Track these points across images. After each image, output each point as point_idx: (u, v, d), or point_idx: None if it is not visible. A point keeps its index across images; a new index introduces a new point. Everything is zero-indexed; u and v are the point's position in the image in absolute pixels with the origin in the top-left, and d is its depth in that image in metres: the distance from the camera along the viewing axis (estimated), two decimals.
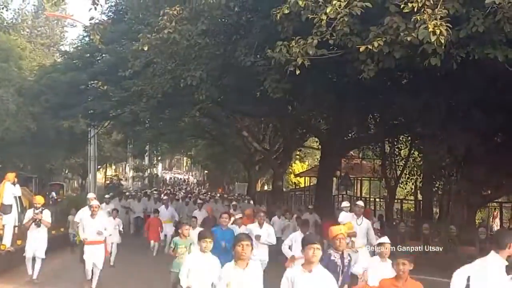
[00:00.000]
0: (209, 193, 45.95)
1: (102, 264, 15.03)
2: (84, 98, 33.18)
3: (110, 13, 34.71)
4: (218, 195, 42.86)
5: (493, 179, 21.01)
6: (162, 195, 34.76)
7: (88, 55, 36.35)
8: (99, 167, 56.66)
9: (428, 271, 15.88)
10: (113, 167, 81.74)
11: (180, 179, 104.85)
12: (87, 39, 37.44)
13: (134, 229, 29.21)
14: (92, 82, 30.24)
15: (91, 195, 17.16)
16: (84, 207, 15.86)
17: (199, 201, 26.55)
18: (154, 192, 38.01)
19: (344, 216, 15.42)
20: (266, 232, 14.63)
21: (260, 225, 14.75)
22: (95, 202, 15.29)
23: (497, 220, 29.85)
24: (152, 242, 21.96)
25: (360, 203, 15.99)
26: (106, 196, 25.87)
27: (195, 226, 15.86)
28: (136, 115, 27.26)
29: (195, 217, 17.91)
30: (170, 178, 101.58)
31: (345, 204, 17.90)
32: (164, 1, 18.56)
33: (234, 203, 26.10)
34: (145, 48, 18.43)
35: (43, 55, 55.07)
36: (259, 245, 13.75)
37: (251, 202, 34.00)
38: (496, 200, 28.20)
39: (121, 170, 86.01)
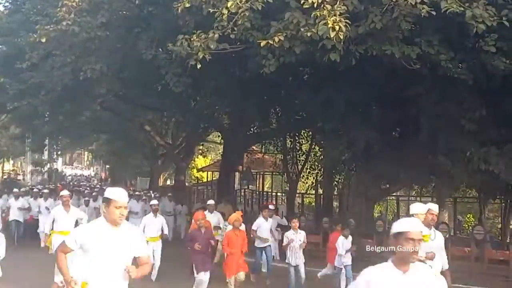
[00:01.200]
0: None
1: None
2: None
3: (6, 3, 33.75)
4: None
5: (391, 173, 21.47)
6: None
7: None
8: None
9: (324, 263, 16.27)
10: (11, 161, 79.60)
11: (81, 175, 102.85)
12: None
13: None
14: None
15: None
16: None
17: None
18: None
19: None
20: None
21: None
22: None
23: None
24: None
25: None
26: None
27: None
28: (34, 109, 26.56)
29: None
30: (70, 174, 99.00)
31: None
32: None
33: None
34: (43, 40, 17.98)
35: None
36: None
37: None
38: (394, 194, 28.91)
39: (20, 165, 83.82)
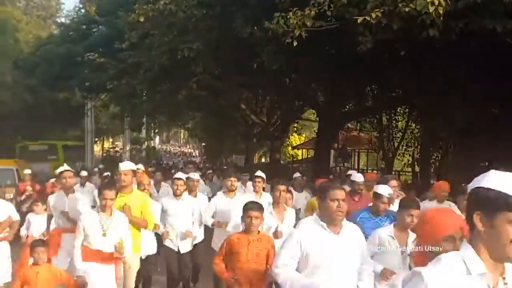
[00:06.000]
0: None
1: None
2: (80, 70, 33.12)
3: None
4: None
5: (491, 150, 20.96)
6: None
7: (84, 27, 36.26)
8: (96, 139, 56.70)
9: None
10: (110, 140, 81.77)
11: (181, 152, 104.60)
12: (83, 10, 37.28)
13: None
14: (88, 54, 30.09)
15: None
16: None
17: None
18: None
19: None
20: None
21: None
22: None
23: None
24: None
25: None
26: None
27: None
28: (133, 88, 27.16)
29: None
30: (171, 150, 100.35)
31: None
32: None
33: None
34: (141, 20, 18.37)
35: (39, 27, 54.94)
36: None
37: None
38: None
39: (120, 143, 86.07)
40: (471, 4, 12.25)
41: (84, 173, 18.58)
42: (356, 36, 13.85)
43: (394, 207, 8.92)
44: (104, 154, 64.71)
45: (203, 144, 79.78)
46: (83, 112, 43.58)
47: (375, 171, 35.29)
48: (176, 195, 11.26)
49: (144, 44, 23.60)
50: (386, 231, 7.46)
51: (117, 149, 71.63)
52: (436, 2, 11.38)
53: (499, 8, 12.53)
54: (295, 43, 13.67)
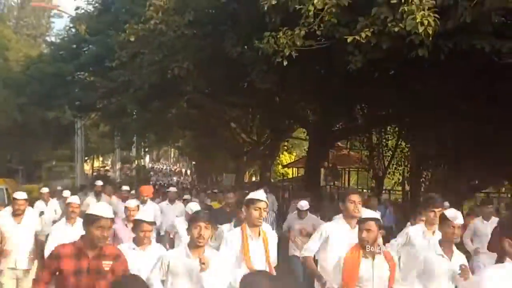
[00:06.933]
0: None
1: None
2: (70, 89, 33.11)
3: (96, 4, 34.58)
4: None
5: (481, 169, 21.05)
6: None
7: (75, 46, 36.24)
8: (86, 158, 56.55)
9: None
10: (100, 158, 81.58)
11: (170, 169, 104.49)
12: (73, 30, 37.32)
13: None
14: (78, 73, 30.17)
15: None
16: None
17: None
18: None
19: None
20: None
21: None
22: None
23: None
24: None
25: None
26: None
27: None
28: (123, 107, 27.18)
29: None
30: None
31: None
32: None
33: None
34: (132, 39, 18.43)
35: (29, 46, 54.92)
36: None
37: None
38: (484, 191, 28.33)
39: (109, 162, 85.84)
40: (460, 24, 12.33)
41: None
42: (346, 55, 13.90)
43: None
44: (95, 174, 64.56)
45: (193, 162, 79.70)
46: (73, 131, 43.46)
47: (365, 190, 35.37)
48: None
49: (135, 63, 23.62)
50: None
51: (107, 168, 71.47)
52: (426, 22, 11.47)
53: (488, 28, 12.62)
54: (285, 63, 13.74)
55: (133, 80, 23.78)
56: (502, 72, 15.63)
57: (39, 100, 35.24)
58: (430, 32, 11.60)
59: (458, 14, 12.24)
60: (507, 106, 18.17)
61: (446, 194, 21.47)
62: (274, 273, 7.43)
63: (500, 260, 7.35)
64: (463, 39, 13.05)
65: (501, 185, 28.78)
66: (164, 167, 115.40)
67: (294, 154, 58.94)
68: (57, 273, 6.20)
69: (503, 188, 30.52)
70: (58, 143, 48.95)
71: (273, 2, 13.60)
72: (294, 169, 50.71)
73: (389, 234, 14.47)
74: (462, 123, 19.75)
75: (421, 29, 11.50)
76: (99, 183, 18.11)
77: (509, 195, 27.34)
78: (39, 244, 10.73)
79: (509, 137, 19.21)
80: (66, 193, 16.74)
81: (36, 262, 10.53)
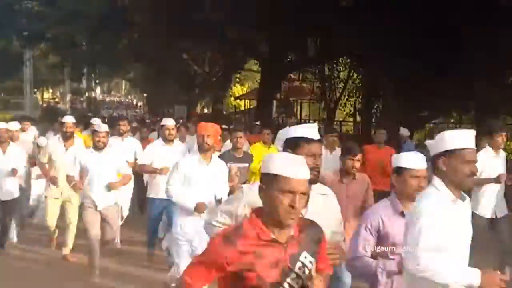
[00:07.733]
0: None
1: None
2: (17, 18, 32.27)
3: None
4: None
5: (430, 100, 21.29)
6: None
7: None
8: (35, 90, 55.67)
9: None
10: (50, 90, 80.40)
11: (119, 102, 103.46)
12: None
13: None
14: (26, 1, 29.39)
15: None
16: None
17: None
18: None
19: None
20: None
21: None
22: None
23: None
24: None
25: None
26: None
27: None
28: (72, 37, 26.68)
29: None
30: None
31: None
32: None
33: None
34: None
35: None
36: None
37: None
38: (433, 122, 28.76)
39: (59, 94, 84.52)
40: None
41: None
42: None
43: None
44: (45, 105, 63.64)
45: (145, 94, 79.02)
46: (21, 62, 42.67)
47: (317, 122, 35.58)
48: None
49: None
50: None
51: (57, 99, 70.56)
52: None
53: None
54: None
55: (81, 10, 23.29)
56: (451, 5, 15.74)
57: None
58: None
59: None
60: (455, 37, 18.35)
61: (396, 125, 21.91)
62: None
63: None
64: None
65: (450, 115, 29.25)
66: (116, 99, 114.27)
67: (247, 86, 58.84)
68: None
69: (451, 119, 31.07)
70: (6, 74, 48.03)
71: None
72: (246, 101, 50.72)
73: None
74: (412, 56, 19.85)
75: None
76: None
77: (458, 126, 27.78)
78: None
79: (458, 68, 19.44)
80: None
81: None
